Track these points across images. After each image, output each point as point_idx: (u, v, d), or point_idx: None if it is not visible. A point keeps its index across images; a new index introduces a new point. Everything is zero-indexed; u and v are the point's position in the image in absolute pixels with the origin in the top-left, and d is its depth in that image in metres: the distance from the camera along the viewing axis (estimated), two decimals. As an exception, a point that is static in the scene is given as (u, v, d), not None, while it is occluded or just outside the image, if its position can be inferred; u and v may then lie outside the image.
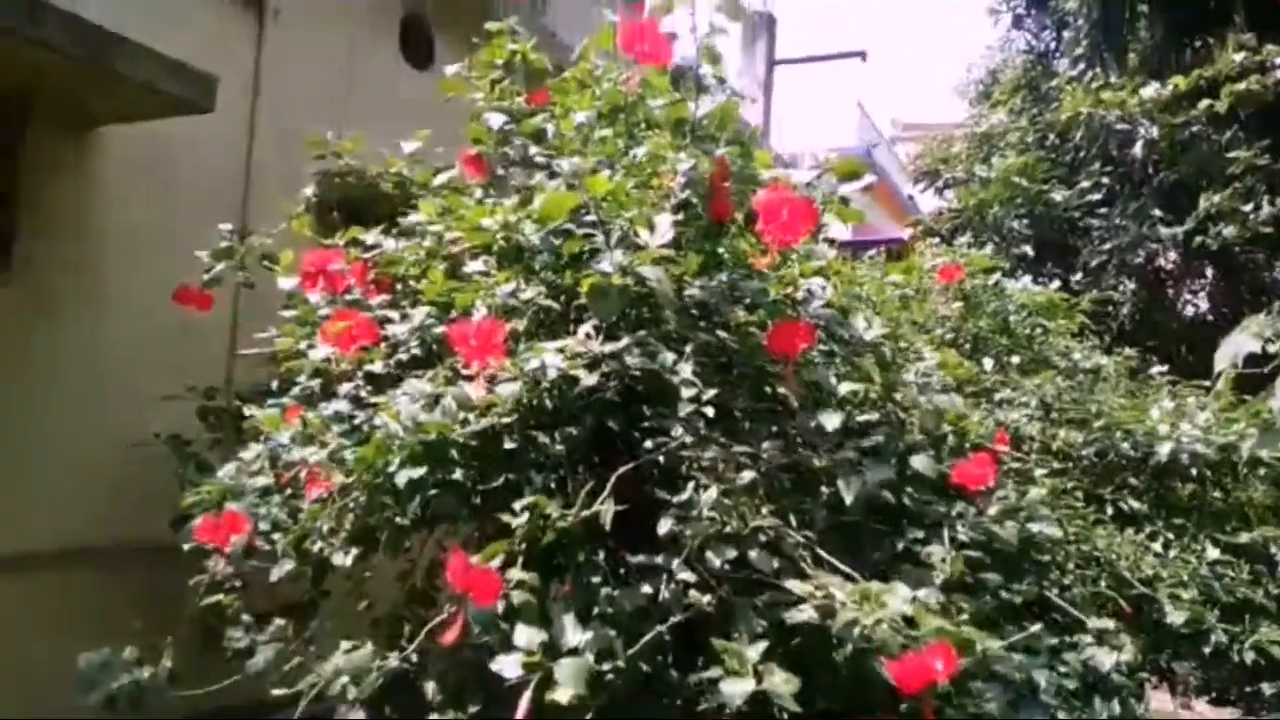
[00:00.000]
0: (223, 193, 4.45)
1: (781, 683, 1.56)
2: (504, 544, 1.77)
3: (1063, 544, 3.49)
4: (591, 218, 2.20)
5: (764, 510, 1.95)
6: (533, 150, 3.22)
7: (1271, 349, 4.36)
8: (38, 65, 3.36)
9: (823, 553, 1.91)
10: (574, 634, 1.70)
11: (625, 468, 1.96)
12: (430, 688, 2.05)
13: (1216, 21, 8.25)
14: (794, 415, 2.41)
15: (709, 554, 1.84)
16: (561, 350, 2.00)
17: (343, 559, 2.30)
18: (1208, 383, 4.99)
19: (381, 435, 1.92)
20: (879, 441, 2.25)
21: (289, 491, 2.41)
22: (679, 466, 2.12)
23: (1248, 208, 8.22)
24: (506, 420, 2.08)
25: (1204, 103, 7.99)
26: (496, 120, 3.25)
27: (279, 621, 2.31)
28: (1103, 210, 10.20)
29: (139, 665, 2.22)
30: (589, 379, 1.97)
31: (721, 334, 2.38)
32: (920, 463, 2.23)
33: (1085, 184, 10.20)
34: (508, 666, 1.64)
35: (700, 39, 2.47)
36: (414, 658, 2.08)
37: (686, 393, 2.10)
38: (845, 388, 2.28)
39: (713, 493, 1.93)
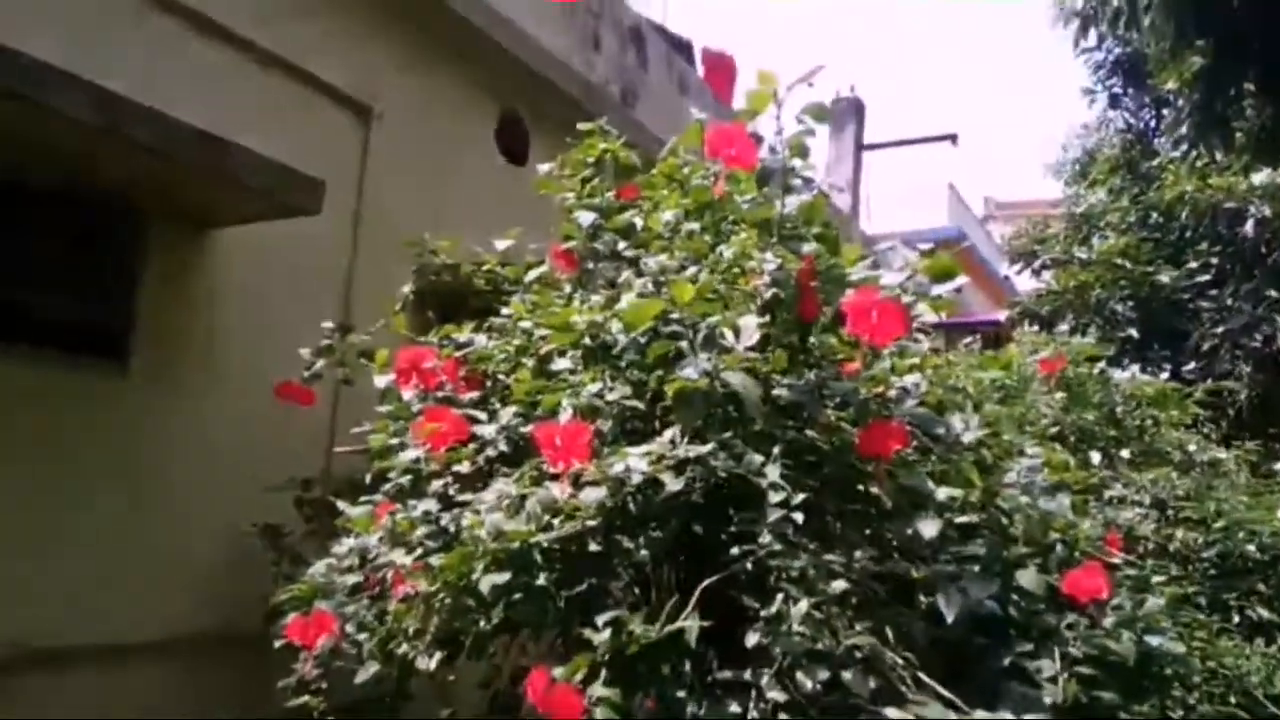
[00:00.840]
0: (328, 290, 4.64)
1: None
2: (586, 659, 1.73)
3: (1185, 659, 3.23)
4: (677, 318, 2.19)
5: (858, 625, 1.85)
6: (621, 245, 3.27)
7: None
8: (151, 168, 3.57)
9: (923, 675, 1.80)
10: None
11: (711, 580, 1.90)
12: (511, 803, 1.99)
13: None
14: (888, 518, 2.32)
15: (800, 674, 1.76)
16: (647, 454, 1.97)
17: (427, 662, 2.28)
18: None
19: (467, 543, 1.91)
20: (980, 551, 2.14)
21: (377, 591, 2.42)
22: (767, 575, 2.05)
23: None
24: (591, 523, 2.05)
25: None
26: (587, 218, 3.32)
27: (363, 726, 2.29)
28: (1213, 292, 9.79)
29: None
30: (674, 484, 1.94)
31: (810, 433, 2.33)
32: (1027, 579, 2.11)
33: (1194, 264, 9.83)
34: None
35: (785, 140, 2.48)
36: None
37: (774, 497, 2.04)
38: (943, 493, 2.19)
39: (803, 606, 1.85)
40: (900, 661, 1.82)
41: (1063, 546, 2.32)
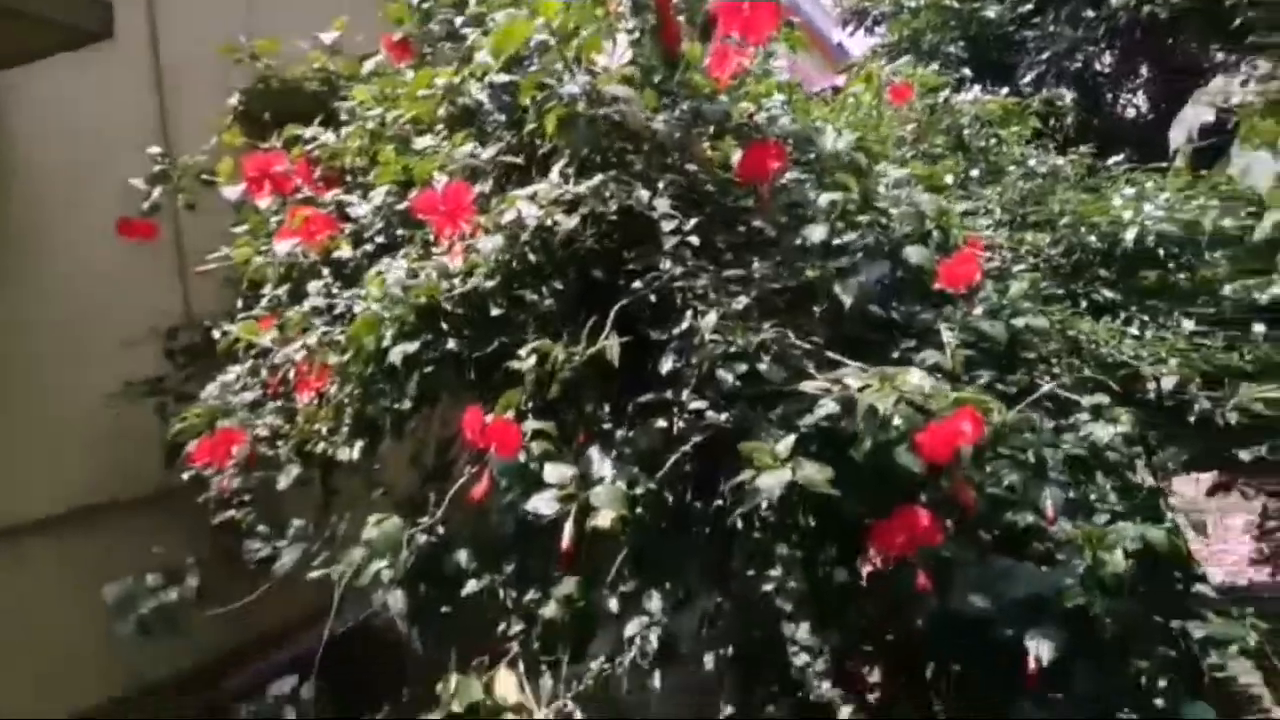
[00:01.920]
0: (139, 126, 4.23)
1: (815, 472, 1.57)
2: (516, 393, 1.75)
3: (1048, 335, 3.54)
4: (546, 36, 2.07)
5: (766, 326, 1.93)
6: (458, 22, 3.08)
7: (1224, 114, 4.38)
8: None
9: (831, 354, 1.90)
10: (601, 465, 1.69)
11: (623, 302, 1.92)
12: (463, 556, 2.05)
13: None
14: (776, 245, 2.37)
15: (719, 372, 1.83)
16: (534, 197, 1.93)
17: (349, 453, 2.26)
18: (1164, 164, 5.03)
19: (370, 311, 1.86)
20: (868, 244, 2.23)
21: (280, 400, 2.36)
22: (672, 301, 2.09)
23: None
24: (491, 284, 2.02)
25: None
26: (415, -6, 3.10)
27: (297, 522, 2.29)
28: (1036, 20, 10.05)
29: (165, 589, 2.21)
30: (569, 222, 1.91)
31: (691, 168, 2.32)
32: (916, 254, 2.21)
33: (1016, -6, 10.03)
34: (543, 504, 1.64)
35: None
36: (440, 530, 2.07)
37: (667, 225, 2.05)
38: (825, 198, 2.24)
39: (712, 317, 1.90)
40: (808, 348, 1.91)
41: (939, 233, 2.43)
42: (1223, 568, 6.04)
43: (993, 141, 5.17)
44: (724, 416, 1.79)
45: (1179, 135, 4.44)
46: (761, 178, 2.26)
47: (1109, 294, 4.50)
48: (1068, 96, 9.97)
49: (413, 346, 1.90)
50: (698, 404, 1.92)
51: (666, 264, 2.01)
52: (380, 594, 2.06)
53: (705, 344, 1.87)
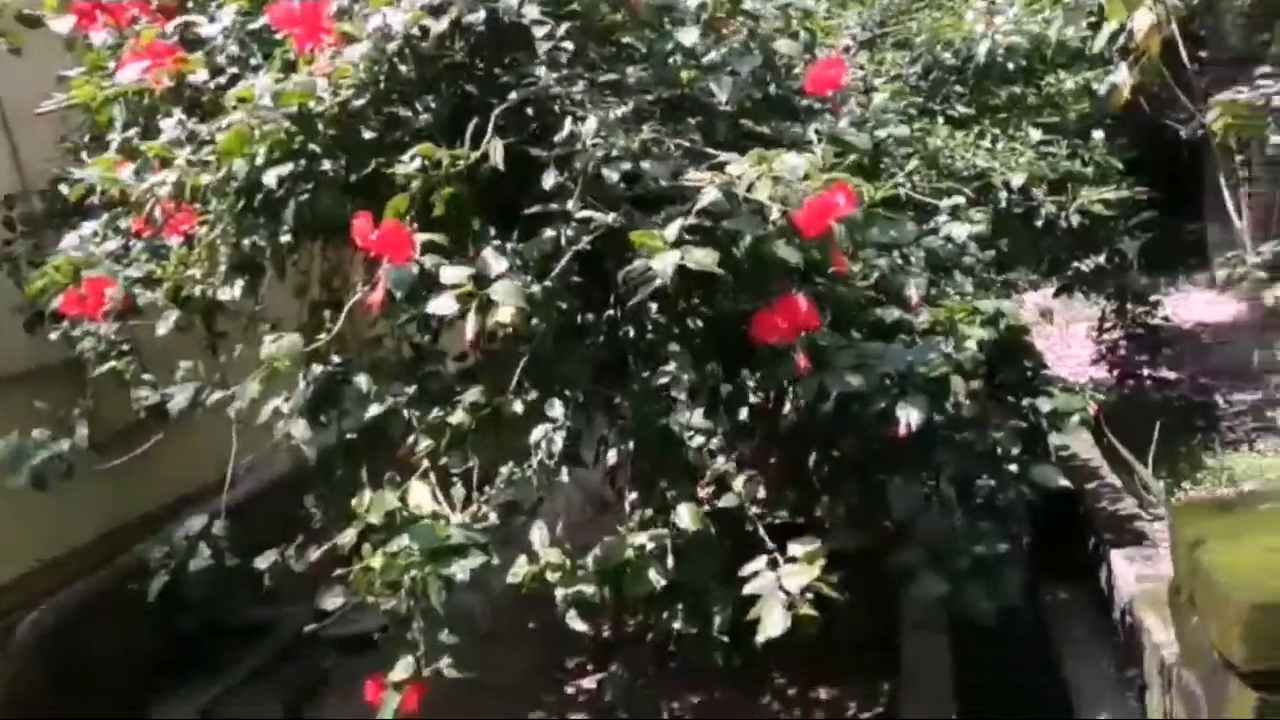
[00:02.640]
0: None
1: (703, 255, 1.64)
2: (403, 199, 1.74)
3: (909, 144, 3.69)
4: None
5: (645, 128, 1.96)
6: None
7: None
8: None
9: (709, 150, 1.95)
10: (498, 264, 1.72)
11: (501, 107, 1.91)
12: (362, 381, 2.07)
13: None
14: (648, 55, 2.37)
15: (605, 171, 1.86)
16: (392, 3, 1.86)
17: (230, 292, 2.21)
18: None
19: (240, 123, 1.79)
20: (736, 46, 2.25)
21: (148, 242, 2.27)
22: (550, 113, 2.08)
23: None
24: (361, 102, 1.97)
25: None
26: None
27: (185, 363, 2.24)
28: None
29: (54, 440, 2.16)
30: (438, 26, 1.86)
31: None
32: (785, 45, 2.26)
33: None
34: (442, 306, 1.67)
35: None
36: (336, 360, 2.08)
37: (539, 31, 2.02)
38: (692, 2, 2.23)
39: (591, 122, 1.91)
40: (687, 145, 1.96)
41: (806, 33, 2.48)
42: (1066, 368, 6.57)
43: (847, -37, 5.18)
44: (611, 217, 1.83)
45: (1026, -53, 4.55)
46: (629, -2, 2.23)
47: (963, 109, 4.68)
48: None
49: (286, 168, 1.85)
50: (584, 213, 1.96)
51: (541, 72, 1.99)
52: (281, 425, 2.06)
53: (587, 149, 1.89)
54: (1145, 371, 6.19)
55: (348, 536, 1.91)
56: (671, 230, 1.66)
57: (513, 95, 2.04)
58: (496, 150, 1.78)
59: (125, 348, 2.36)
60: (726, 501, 1.94)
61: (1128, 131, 5.42)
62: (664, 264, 1.60)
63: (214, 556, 2.15)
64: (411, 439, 2.00)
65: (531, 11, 2.05)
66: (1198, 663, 2.22)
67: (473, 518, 1.97)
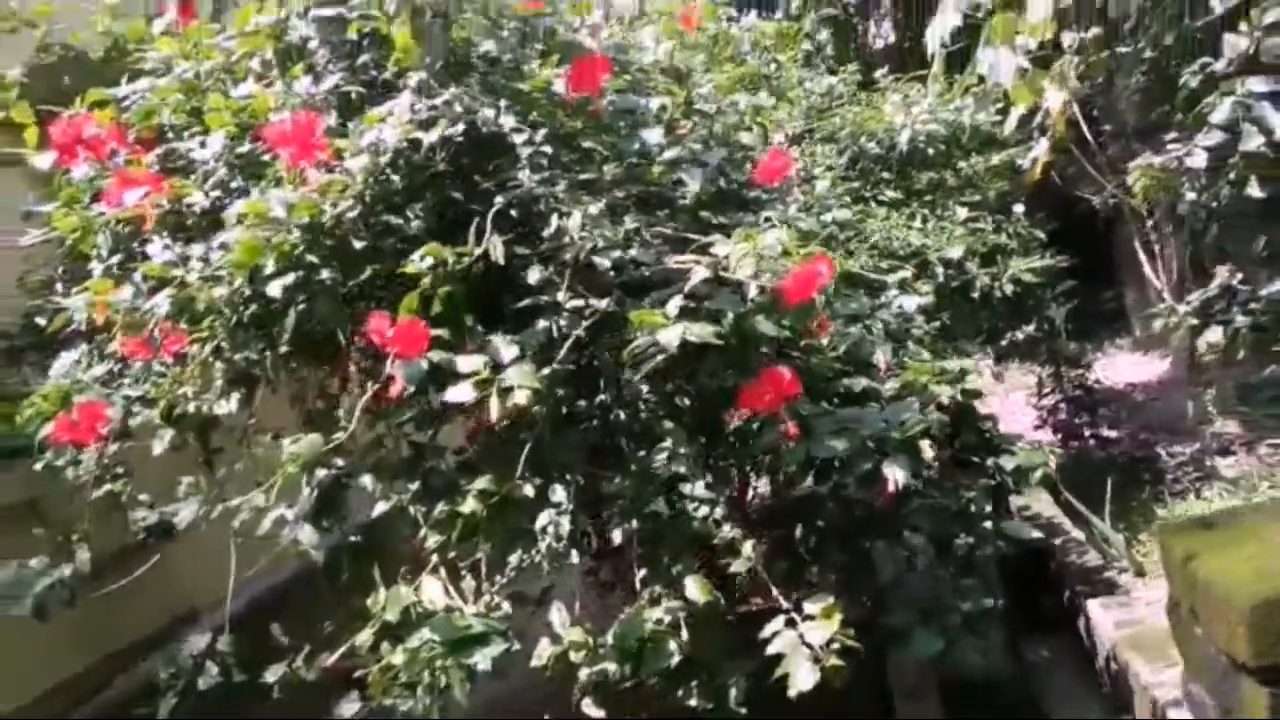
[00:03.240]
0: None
1: (700, 328, 1.75)
2: (414, 297, 1.82)
3: (853, 226, 3.91)
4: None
5: (627, 219, 2.08)
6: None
7: (970, 18, 4.91)
8: None
9: (689, 235, 2.08)
10: (508, 351, 1.80)
11: (495, 207, 2.01)
12: (366, 480, 2.10)
13: None
14: (614, 155, 2.52)
15: (596, 259, 1.97)
16: (388, 116, 1.98)
17: (226, 406, 2.24)
18: (924, 73, 5.56)
19: (249, 235, 1.86)
20: (696, 146, 2.42)
21: (134, 362, 2.29)
22: (533, 213, 2.20)
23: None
24: (353, 214, 2.06)
25: None
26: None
27: (187, 479, 2.25)
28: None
29: (54, 567, 2.12)
30: (429, 137, 1.98)
31: (523, 88, 2.42)
32: (746, 137, 2.43)
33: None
34: (459, 394, 1.74)
35: None
36: (339, 462, 2.11)
37: (519, 138, 2.16)
38: (654, 102, 2.41)
39: (577, 217, 2.03)
40: (669, 233, 2.09)
41: (758, 128, 2.67)
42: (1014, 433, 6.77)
43: (773, 67, 5.53)
44: (605, 303, 1.93)
45: (933, 42, 4.93)
46: (591, 90, 2.40)
47: (891, 193, 4.98)
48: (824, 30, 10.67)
49: (289, 279, 1.92)
50: (574, 302, 2.06)
51: (524, 175, 2.11)
52: (286, 532, 2.07)
53: (575, 241, 2.00)
54: (1087, 432, 6.42)
55: (364, 637, 1.91)
56: (672, 306, 1.77)
57: (499, 199, 2.15)
58: (497, 248, 1.89)
59: (120, 469, 2.35)
60: (738, 566, 2.00)
61: (1044, 206, 5.79)
62: (670, 337, 1.70)
63: (222, 673, 2.12)
64: (421, 534, 2.03)
65: (509, 121, 2.20)
66: (1203, 673, 2.31)
67: (486, 608, 1.99)
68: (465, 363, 1.76)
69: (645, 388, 2.20)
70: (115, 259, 2.51)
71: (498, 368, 1.77)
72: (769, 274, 1.82)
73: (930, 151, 5.08)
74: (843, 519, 2.78)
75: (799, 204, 3.52)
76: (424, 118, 1.99)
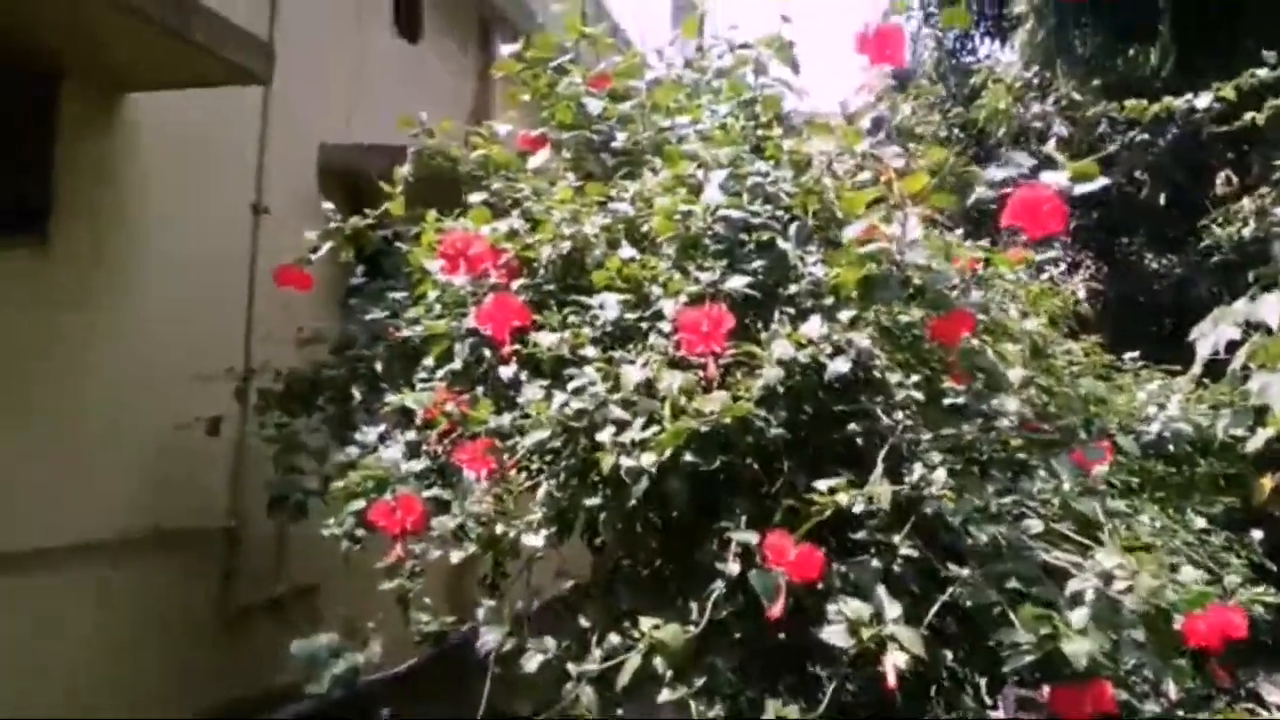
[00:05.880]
0: (237, 172, 4.29)
1: (1090, 643, 1.69)
2: (812, 524, 1.85)
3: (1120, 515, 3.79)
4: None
5: (990, 489, 2.08)
6: (621, 136, 3.30)
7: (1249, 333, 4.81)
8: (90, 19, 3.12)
9: (1059, 526, 2.06)
10: (892, 607, 1.79)
11: (888, 444, 2.05)
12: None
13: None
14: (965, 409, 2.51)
15: (972, 529, 1.96)
16: (798, 339, 2.08)
17: (535, 540, 2.30)
18: (1176, 367, 5.43)
19: (681, 425, 1.94)
20: (1060, 424, 2.42)
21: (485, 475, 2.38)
22: (875, 450, 2.22)
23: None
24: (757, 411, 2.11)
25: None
26: (595, 105, 3.31)
27: (488, 602, 2.29)
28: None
29: (349, 652, 2.19)
30: (838, 366, 2.06)
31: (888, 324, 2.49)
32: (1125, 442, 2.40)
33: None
34: (836, 636, 1.73)
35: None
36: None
37: (893, 378, 2.22)
38: (1015, 374, 2.43)
39: (942, 472, 2.04)
40: (1045, 514, 2.07)
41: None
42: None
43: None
44: (966, 573, 1.91)
45: (1206, 344, 4.84)
46: (951, 342, 2.45)
47: (1128, 478, 4.82)
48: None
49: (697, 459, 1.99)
50: (907, 550, 2.04)
51: (898, 415, 2.16)
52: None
53: (941, 496, 2.00)
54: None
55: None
56: (1079, 617, 1.72)
57: (852, 425, 2.20)
58: (884, 493, 1.90)
59: (415, 567, 2.42)
60: None
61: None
62: (1078, 649, 1.66)
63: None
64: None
65: (883, 358, 2.26)
66: None
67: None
68: (850, 607, 1.76)
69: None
70: (456, 364, 2.68)
71: (877, 617, 1.76)
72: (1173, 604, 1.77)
73: (1171, 449, 4.91)
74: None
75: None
76: (835, 346, 2.07)
